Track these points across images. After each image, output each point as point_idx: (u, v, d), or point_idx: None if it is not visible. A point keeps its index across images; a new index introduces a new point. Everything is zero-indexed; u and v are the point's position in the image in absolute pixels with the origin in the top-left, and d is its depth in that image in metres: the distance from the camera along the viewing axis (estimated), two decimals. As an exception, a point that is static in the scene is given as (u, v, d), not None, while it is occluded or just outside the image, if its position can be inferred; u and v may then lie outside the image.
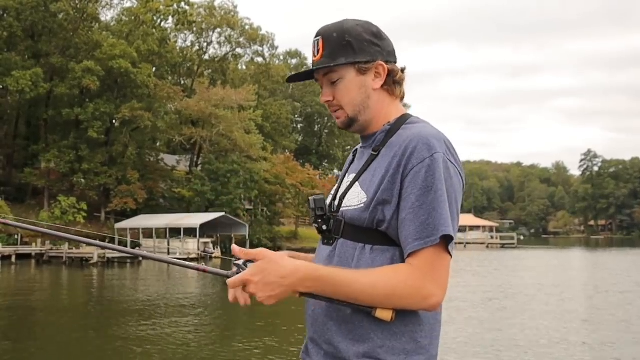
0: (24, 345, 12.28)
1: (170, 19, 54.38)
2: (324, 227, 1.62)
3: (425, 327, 1.53)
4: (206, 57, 63.45)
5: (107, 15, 57.96)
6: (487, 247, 73.93)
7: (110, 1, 54.85)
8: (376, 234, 1.53)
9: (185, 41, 62.18)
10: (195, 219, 41.84)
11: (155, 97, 50.39)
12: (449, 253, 1.48)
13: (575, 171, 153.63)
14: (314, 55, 1.65)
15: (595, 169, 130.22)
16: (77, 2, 49.44)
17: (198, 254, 42.85)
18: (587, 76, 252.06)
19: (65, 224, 43.50)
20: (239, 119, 52.08)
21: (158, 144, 57.63)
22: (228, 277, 1.48)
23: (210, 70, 63.46)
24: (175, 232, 44.47)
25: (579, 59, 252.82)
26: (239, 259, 1.49)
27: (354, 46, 1.60)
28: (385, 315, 1.47)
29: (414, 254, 1.46)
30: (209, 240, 44.50)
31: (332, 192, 1.74)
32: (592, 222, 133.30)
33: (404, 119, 1.63)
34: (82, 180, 48.58)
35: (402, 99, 1.71)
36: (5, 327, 14.82)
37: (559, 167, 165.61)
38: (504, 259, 46.65)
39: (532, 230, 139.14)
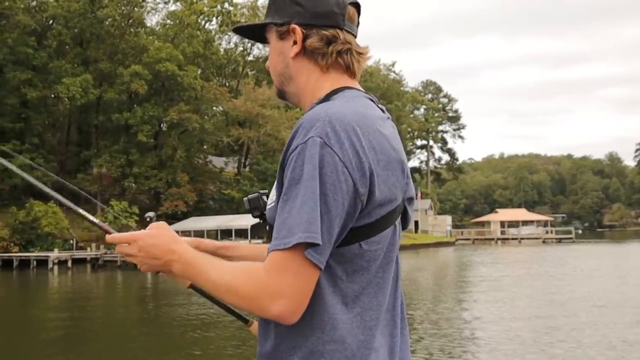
0: (83, 352, 11.93)
1: (214, 20, 54.42)
2: (267, 227, 1.40)
3: (339, 328, 1.24)
4: (250, 57, 63.42)
5: (152, 20, 58.54)
6: (544, 242, 71.65)
7: (155, 5, 55.38)
8: None
9: (229, 42, 62.27)
10: (246, 220, 41.46)
11: (202, 99, 50.49)
12: (310, 260, 1.18)
13: (629, 162, 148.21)
14: None
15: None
16: (123, 8, 49.88)
17: (250, 255, 42.54)
18: (636, 63, 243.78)
19: (118, 228, 43.75)
20: (286, 118, 51.73)
21: (206, 146, 57.75)
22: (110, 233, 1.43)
23: (254, 71, 63.30)
24: (226, 233, 44.32)
25: (627, 46, 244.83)
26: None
27: (276, 4, 1.39)
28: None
29: (269, 255, 1.21)
30: (260, 241, 44.11)
31: None
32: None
33: (329, 96, 1.33)
34: (133, 184, 48.99)
35: (351, 73, 1.38)
36: (66, 330, 14.54)
37: (613, 157, 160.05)
38: (572, 255, 43.68)
39: (586, 224, 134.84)
